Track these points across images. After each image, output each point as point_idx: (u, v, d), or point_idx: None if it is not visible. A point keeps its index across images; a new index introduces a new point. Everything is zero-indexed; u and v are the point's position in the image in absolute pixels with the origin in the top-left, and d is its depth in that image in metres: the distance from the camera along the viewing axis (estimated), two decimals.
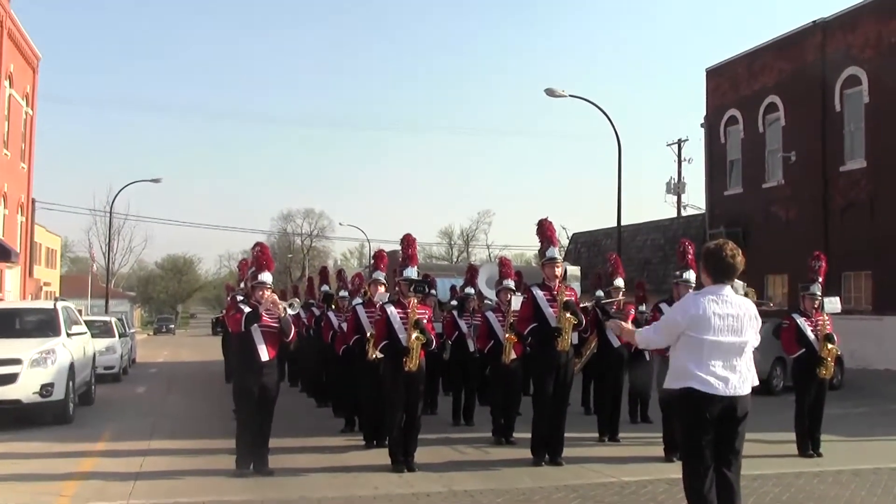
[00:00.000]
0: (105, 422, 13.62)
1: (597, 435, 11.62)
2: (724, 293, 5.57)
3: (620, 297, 12.05)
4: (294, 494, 8.25)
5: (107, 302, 46.56)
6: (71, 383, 13.36)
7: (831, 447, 10.81)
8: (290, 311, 9.51)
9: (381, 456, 9.99)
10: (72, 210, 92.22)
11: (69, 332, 14.30)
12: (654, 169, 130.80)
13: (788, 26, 32.35)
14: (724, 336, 5.47)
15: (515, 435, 11.27)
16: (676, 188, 43.67)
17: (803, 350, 10.73)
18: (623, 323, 6.58)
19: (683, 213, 36.41)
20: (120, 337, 23.22)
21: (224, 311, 17.62)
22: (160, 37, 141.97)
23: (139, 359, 31.25)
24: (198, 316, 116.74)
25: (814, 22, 27.92)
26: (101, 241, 64.94)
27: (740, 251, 5.70)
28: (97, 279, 63.34)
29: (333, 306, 14.25)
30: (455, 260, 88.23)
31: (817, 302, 10.84)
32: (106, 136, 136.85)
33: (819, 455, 10.45)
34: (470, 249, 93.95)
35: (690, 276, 9.97)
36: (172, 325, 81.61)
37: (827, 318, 10.83)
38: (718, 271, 5.63)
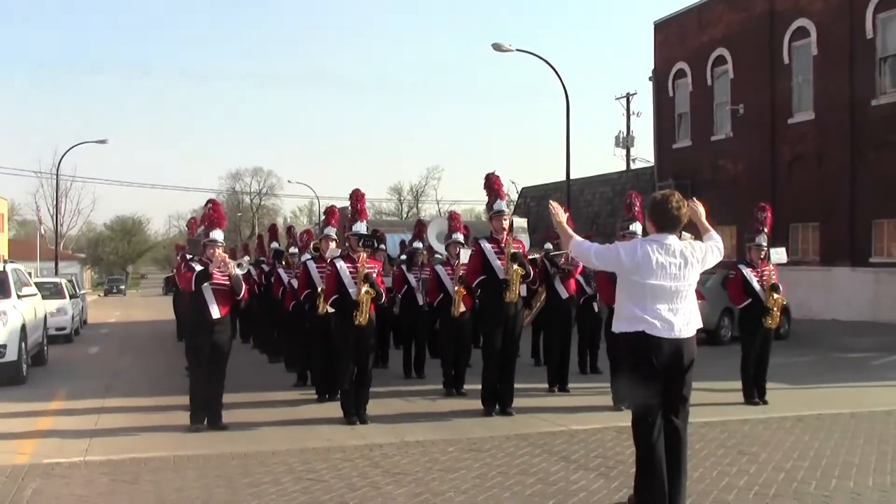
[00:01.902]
0: (59, 382, 13.51)
1: (546, 386, 11.71)
2: (668, 242, 5.61)
3: None
4: (248, 448, 8.25)
5: (56, 264, 45.97)
6: (23, 344, 13.28)
7: (777, 395, 11.00)
8: (240, 271, 9.44)
9: (334, 409, 10.02)
10: (17, 173, 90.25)
11: (20, 293, 14.17)
12: (604, 123, 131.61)
13: None
14: (666, 281, 5.53)
15: (466, 386, 11.34)
16: (625, 142, 43.92)
17: (749, 300, 10.87)
18: (565, 225, 6.25)
19: (632, 167, 36.67)
20: (70, 298, 22.95)
21: (175, 271, 17.51)
22: None
23: (90, 320, 30.97)
24: (148, 276, 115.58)
25: None
26: (49, 204, 63.85)
27: (685, 202, 5.74)
28: (46, 242, 62.36)
29: (283, 263, 14.22)
30: (405, 216, 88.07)
31: (763, 252, 10.97)
32: (49, 97, 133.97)
33: (765, 402, 10.64)
34: (419, 205, 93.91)
35: (637, 227, 10.04)
36: (123, 286, 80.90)
37: (773, 268, 10.97)
38: (663, 222, 5.67)
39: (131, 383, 13.30)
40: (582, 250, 5.93)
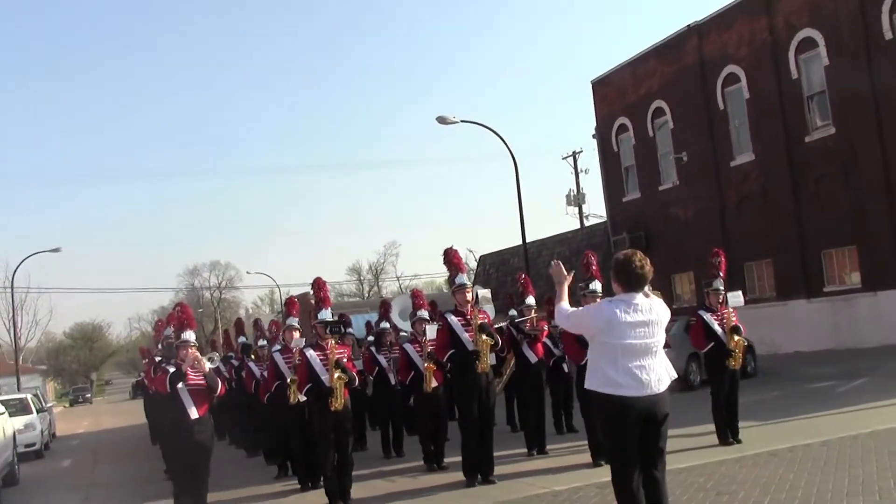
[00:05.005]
0: (34, 500, 13.36)
1: (525, 450, 11.84)
2: (636, 301, 5.75)
3: (533, 314, 12.36)
4: None
5: (18, 379, 45.18)
6: None
7: (749, 432, 11.23)
8: (210, 365, 9.52)
9: (318, 497, 10.06)
10: None
11: None
12: (554, 183, 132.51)
13: (666, 31, 33.44)
14: (636, 339, 5.64)
15: (446, 460, 11.43)
16: (577, 200, 44.53)
17: (712, 344, 11.17)
18: (565, 288, 6.21)
19: (586, 224, 37.21)
20: (38, 412, 22.64)
21: (143, 375, 17.42)
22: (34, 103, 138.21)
23: (59, 432, 30.41)
24: (113, 382, 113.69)
25: (689, 26, 28.98)
26: (5, 319, 63.02)
27: (648, 260, 5.87)
28: (5, 357, 61.37)
29: (252, 356, 14.30)
30: (367, 295, 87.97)
31: (721, 297, 11.33)
32: None
33: (738, 441, 10.86)
34: (380, 283, 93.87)
35: (597, 286, 10.33)
36: (89, 395, 79.49)
37: (732, 311, 11.30)
38: (629, 281, 5.78)
39: (110, 492, 13.21)
40: (558, 315, 6.11)
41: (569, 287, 6.17)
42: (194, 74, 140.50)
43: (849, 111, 23.55)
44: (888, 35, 22.36)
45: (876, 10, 22.53)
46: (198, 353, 9.41)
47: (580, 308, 6.09)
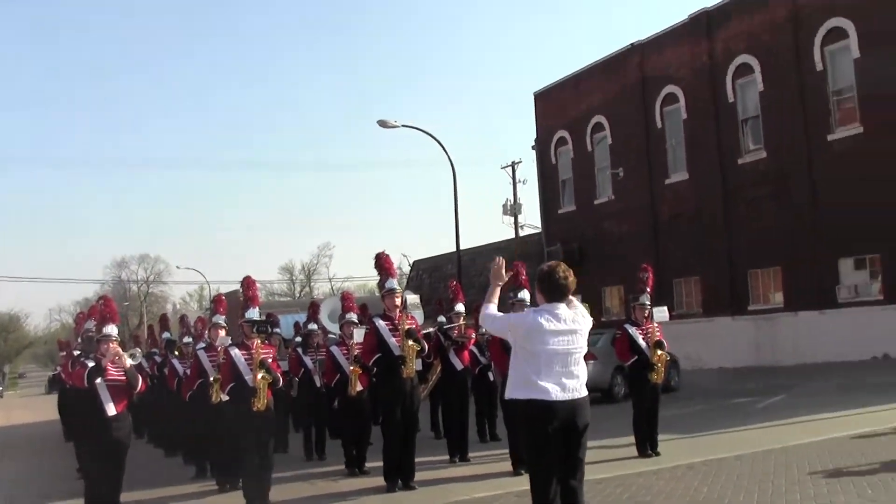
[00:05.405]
0: None
1: (447, 457, 11.86)
2: (559, 311, 5.83)
3: (462, 321, 12.39)
4: None
5: None
6: None
7: (669, 445, 11.41)
8: (132, 361, 9.36)
9: (236, 499, 9.92)
10: None
11: None
12: (492, 192, 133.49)
13: (610, 49, 33.80)
14: (558, 346, 5.72)
15: (368, 464, 11.38)
16: (513, 209, 44.68)
17: (636, 357, 11.33)
18: (496, 288, 6.19)
19: (521, 234, 37.36)
20: None
21: (60, 368, 16.97)
22: None
23: None
24: (28, 375, 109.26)
25: (632, 44, 29.39)
26: None
27: (572, 272, 5.98)
28: None
29: (177, 353, 14.09)
30: (298, 295, 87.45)
31: (647, 311, 11.50)
32: None
33: (657, 454, 11.02)
34: (312, 284, 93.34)
35: (525, 295, 10.43)
36: (0, 387, 77.41)
37: (657, 326, 11.49)
38: (552, 291, 5.88)
39: (17, 490, 12.84)
40: (483, 316, 6.15)
41: (500, 292, 6.21)
42: (131, 62, 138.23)
43: (781, 136, 24.12)
44: (819, 66, 22.99)
45: (808, 41, 23.19)
46: (119, 349, 9.24)
47: (503, 315, 6.14)
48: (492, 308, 6.14)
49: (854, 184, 21.61)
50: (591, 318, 6.08)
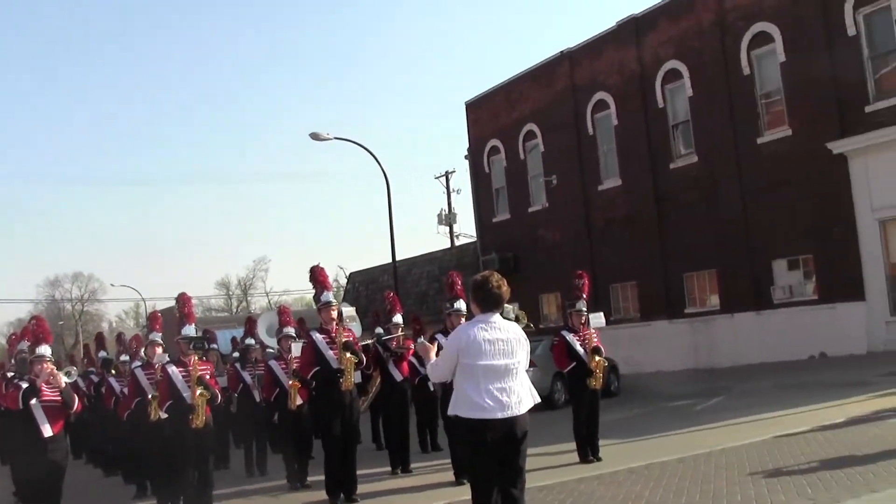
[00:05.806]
0: None
1: (389, 468, 11.82)
2: (493, 320, 5.86)
3: (400, 332, 12.38)
4: None
5: None
6: None
7: (610, 450, 11.48)
8: (67, 380, 9.16)
9: None
10: None
11: None
12: (426, 202, 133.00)
13: (540, 57, 34.09)
14: (496, 360, 5.73)
15: (309, 478, 11.34)
16: (447, 219, 44.88)
17: (574, 364, 11.41)
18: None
19: (457, 243, 37.49)
20: None
21: None
22: None
23: None
24: None
25: (561, 52, 29.66)
26: None
27: (505, 281, 6.01)
28: None
29: (113, 371, 13.86)
30: (235, 310, 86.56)
31: (583, 317, 11.57)
32: None
33: (598, 459, 11.11)
34: (249, 298, 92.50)
35: (461, 305, 10.43)
36: None
37: (594, 331, 11.56)
38: (486, 301, 5.91)
39: None
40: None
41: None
42: (47, 76, 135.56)
43: (711, 140, 24.50)
44: (746, 71, 23.42)
45: (735, 46, 23.58)
46: (53, 368, 9.04)
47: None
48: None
49: (784, 185, 22.03)
50: (525, 336, 6.11)
